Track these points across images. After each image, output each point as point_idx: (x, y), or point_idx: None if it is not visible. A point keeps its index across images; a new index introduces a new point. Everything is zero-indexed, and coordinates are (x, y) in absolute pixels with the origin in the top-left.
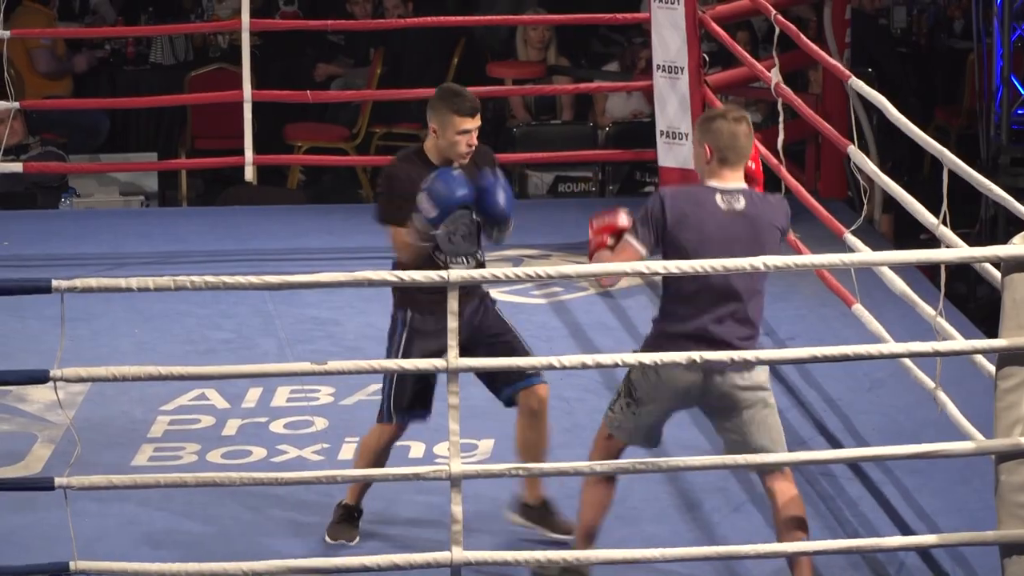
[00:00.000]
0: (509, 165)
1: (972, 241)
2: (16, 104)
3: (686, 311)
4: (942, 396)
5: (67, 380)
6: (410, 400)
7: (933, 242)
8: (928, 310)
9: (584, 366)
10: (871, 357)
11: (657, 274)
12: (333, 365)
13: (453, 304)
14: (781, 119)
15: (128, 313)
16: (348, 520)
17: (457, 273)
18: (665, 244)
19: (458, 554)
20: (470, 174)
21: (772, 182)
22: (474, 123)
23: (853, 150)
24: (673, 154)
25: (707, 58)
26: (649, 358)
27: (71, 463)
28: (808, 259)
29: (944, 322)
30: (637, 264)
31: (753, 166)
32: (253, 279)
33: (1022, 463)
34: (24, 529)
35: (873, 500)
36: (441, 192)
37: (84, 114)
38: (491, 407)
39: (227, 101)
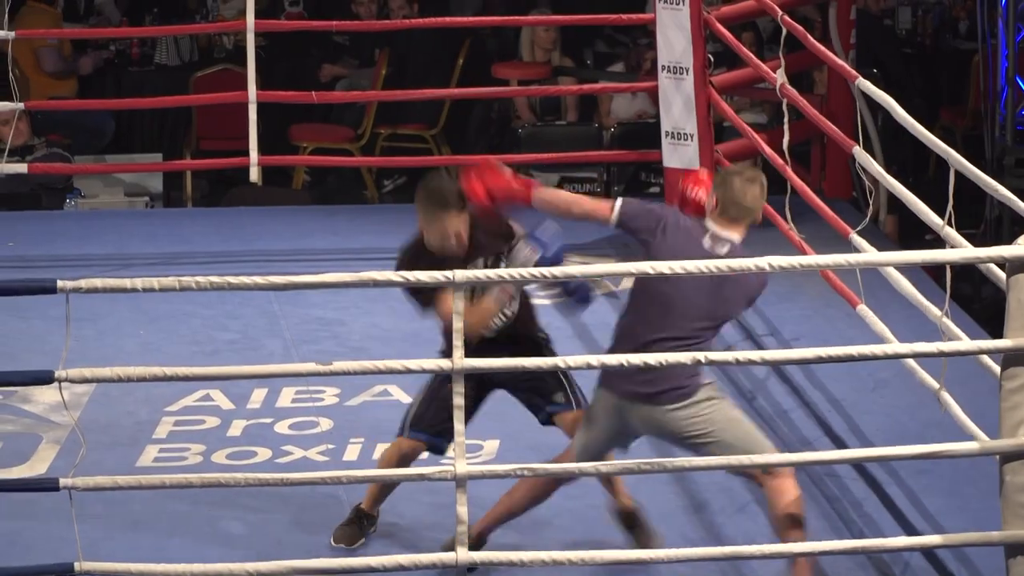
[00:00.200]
0: (514, 166)
1: (977, 242)
2: (21, 105)
3: (641, 329)
4: (946, 396)
5: (72, 381)
6: (428, 423)
7: (938, 243)
8: (933, 310)
9: (589, 366)
10: (875, 358)
11: (662, 274)
12: (338, 366)
13: (459, 304)
14: (786, 120)
15: (133, 314)
16: (356, 524)
17: (462, 274)
18: (640, 244)
19: (463, 555)
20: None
21: (778, 183)
22: (458, 218)
23: (858, 151)
24: (678, 155)
25: (712, 59)
26: (654, 359)
27: (76, 464)
28: (813, 259)
29: (949, 322)
30: (642, 264)
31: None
32: (258, 280)
33: None
34: (29, 530)
35: (878, 500)
36: (545, 239)
37: (89, 115)
38: (497, 408)
39: (232, 102)
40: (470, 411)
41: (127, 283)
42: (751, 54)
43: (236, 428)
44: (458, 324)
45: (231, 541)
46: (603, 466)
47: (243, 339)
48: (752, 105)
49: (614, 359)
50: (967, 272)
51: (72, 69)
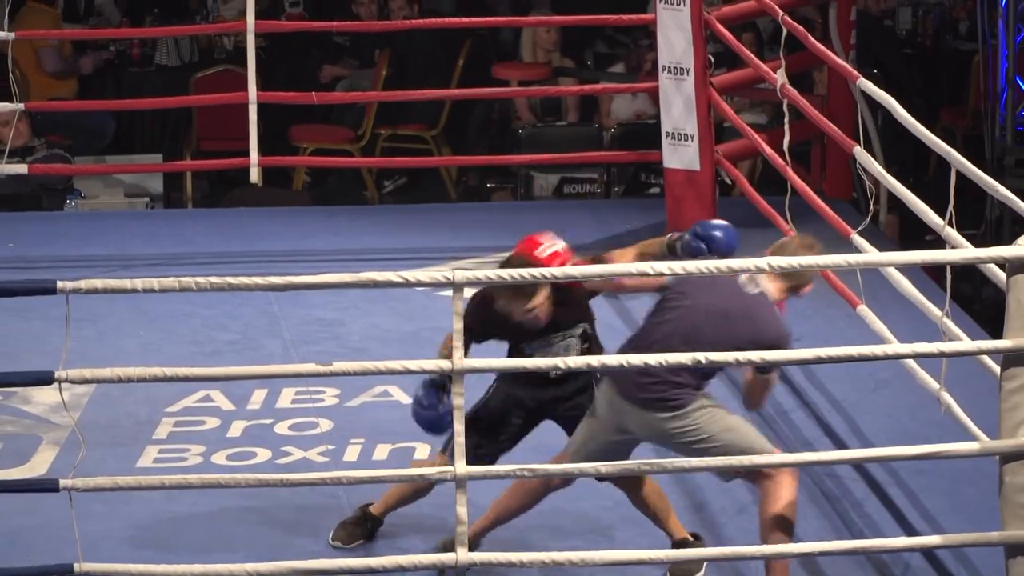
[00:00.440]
0: (514, 166)
1: (977, 242)
2: (21, 106)
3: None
4: (946, 397)
5: (72, 381)
6: (474, 440)
7: (939, 243)
8: (934, 311)
9: (589, 367)
10: (876, 358)
11: (662, 274)
12: (338, 366)
13: (458, 305)
14: (787, 120)
15: (133, 314)
16: (359, 525)
17: (462, 274)
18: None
19: (463, 555)
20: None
21: (778, 183)
22: (534, 302)
23: (859, 151)
24: (678, 155)
25: (713, 59)
26: (654, 359)
27: (76, 465)
28: (813, 260)
29: (950, 323)
30: (642, 264)
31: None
32: (258, 280)
33: None
34: (29, 531)
35: (878, 501)
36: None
37: (89, 116)
38: None
39: (232, 102)
40: (516, 438)
41: (127, 284)
42: (751, 54)
43: (236, 429)
44: (458, 325)
45: (231, 542)
46: (604, 466)
47: (243, 340)
48: (752, 105)
49: (614, 359)
50: (967, 272)
51: (72, 69)
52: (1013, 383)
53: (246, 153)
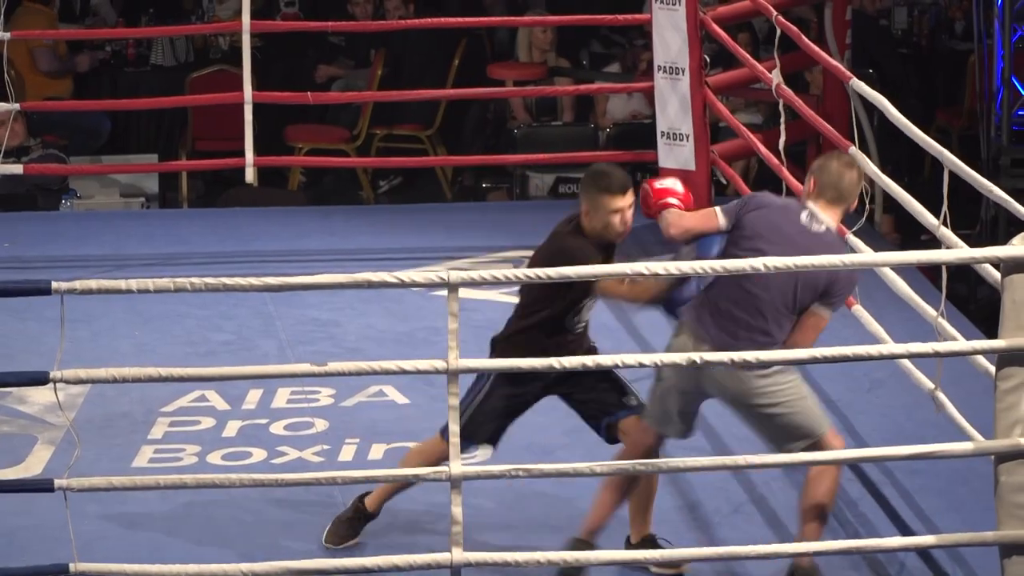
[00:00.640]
0: (510, 166)
1: (972, 242)
2: (16, 106)
3: (723, 291)
4: (941, 397)
5: (67, 381)
6: (483, 436)
7: (934, 243)
8: (929, 311)
9: (584, 367)
10: (871, 358)
11: (657, 275)
12: (333, 366)
13: (454, 305)
14: (782, 120)
15: (128, 315)
16: (353, 522)
17: (457, 275)
18: (738, 228)
19: (458, 555)
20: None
21: (774, 183)
22: (625, 200)
23: (854, 151)
24: (674, 155)
25: (708, 59)
26: (649, 359)
27: (71, 465)
28: (808, 260)
29: (945, 323)
30: (636, 265)
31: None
32: (253, 280)
33: (1022, 464)
34: (24, 531)
35: (873, 500)
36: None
37: (85, 116)
38: None
39: (228, 102)
40: (516, 414)
41: (122, 284)
42: (747, 54)
43: (231, 429)
44: (453, 325)
45: (226, 542)
46: (599, 466)
47: (238, 340)
48: (748, 105)
49: (610, 359)
50: (963, 273)
51: (68, 68)
52: (1008, 383)
53: (242, 153)
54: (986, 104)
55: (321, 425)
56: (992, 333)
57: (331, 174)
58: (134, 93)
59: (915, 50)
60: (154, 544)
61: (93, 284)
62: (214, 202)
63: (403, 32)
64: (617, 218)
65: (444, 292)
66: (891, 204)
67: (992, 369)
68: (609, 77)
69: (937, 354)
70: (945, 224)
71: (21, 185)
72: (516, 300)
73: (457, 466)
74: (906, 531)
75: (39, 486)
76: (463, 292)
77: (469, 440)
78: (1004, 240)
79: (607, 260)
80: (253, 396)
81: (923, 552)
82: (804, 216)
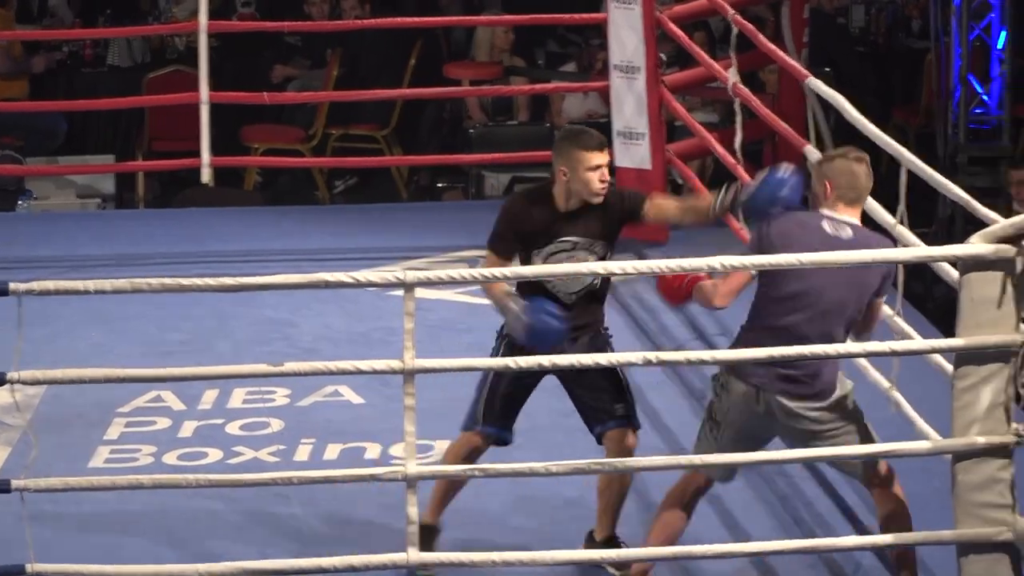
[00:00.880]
0: (466, 166)
1: (929, 240)
2: None
3: (777, 309)
4: (897, 396)
5: (24, 383)
6: (499, 410)
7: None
8: (885, 309)
9: (555, 366)
10: (827, 357)
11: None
12: (289, 366)
13: (410, 305)
14: (739, 119)
15: (85, 315)
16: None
17: (413, 274)
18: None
19: (414, 555)
20: (604, 219)
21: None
22: (603, 157)
23: (810, 149)
24: (629, 154)
25: (664, 58)
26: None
27: (28, 465)
28: (763, 259)
29: (901, 321)
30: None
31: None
32: (209, 281)
33: (979, 462)
34: None
35: (829, 500)
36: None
37: (41, 117)
38: (447, 408)
39: (184, 103)
40: (529, 390)
41: (79, 285)
42: (703, 53)
43: (187, 429)
44: (409, 325)
45: (183, 542)
46: (554, 466)
47: (194, 340)
48: (704, 104)
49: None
50: (919, 271)
51: (23, 69)
52: (965, 381)
53: (198, 153)
54: (943, 102)
55: (277, 425)
56: (949, 331)
57: (287, 174)
58: (91, 94)
59: (872, 48)
60: (111, 544)
61: (51, 285)
62: (170, 202)
63: (359, 32)
64: (596, 175)
65: (400, 292)
66: None
67: (949, 368)
68: (565, 76)
69: (894, 353)
70: (902, 222)
71: None
72: (471, 300)
73: (413, 466)
74: (863, 530)
75: None
76: (419, 292)
77: (490, 425)
78: (961, 238)
79: (583, 227)
80: (209, 396)
81: (879, 551)
82: (827, 226)
